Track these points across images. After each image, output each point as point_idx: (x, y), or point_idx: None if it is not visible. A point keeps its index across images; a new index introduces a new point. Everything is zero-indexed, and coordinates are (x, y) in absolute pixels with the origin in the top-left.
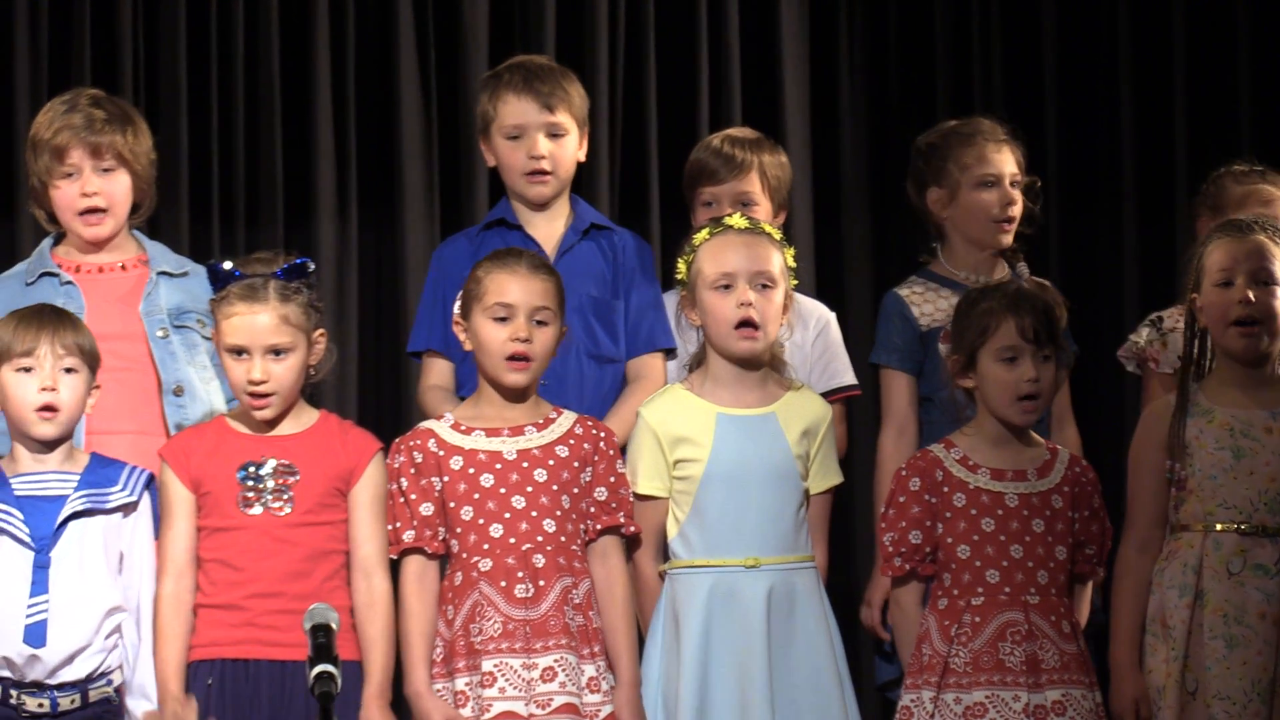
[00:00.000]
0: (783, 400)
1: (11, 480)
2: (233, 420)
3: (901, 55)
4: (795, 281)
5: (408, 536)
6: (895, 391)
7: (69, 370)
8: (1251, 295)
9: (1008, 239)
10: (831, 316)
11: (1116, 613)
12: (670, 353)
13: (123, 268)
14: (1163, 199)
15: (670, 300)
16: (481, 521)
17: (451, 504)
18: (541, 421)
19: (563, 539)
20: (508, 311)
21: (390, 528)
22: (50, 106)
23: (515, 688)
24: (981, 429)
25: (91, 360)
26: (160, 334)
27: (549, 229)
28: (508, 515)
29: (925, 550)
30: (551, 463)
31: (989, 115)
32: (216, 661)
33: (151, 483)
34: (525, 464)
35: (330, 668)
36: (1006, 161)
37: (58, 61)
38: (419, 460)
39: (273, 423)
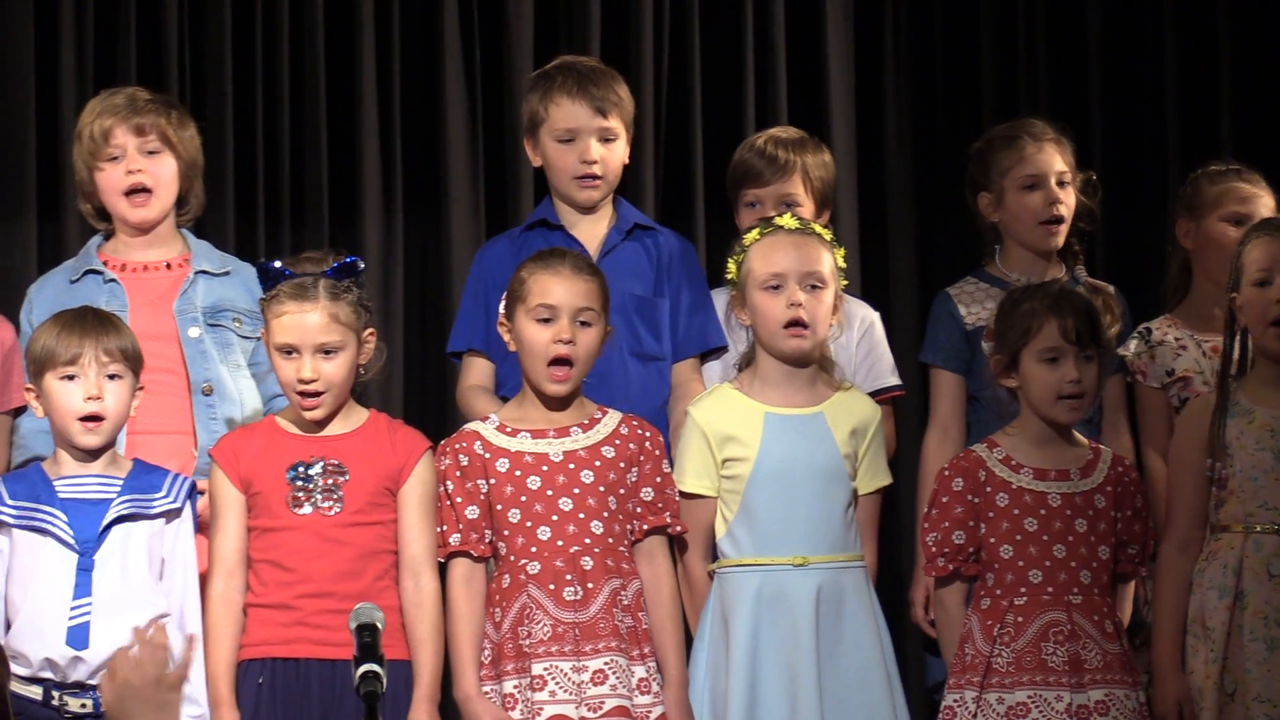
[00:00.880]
0: (831, 400)
1: (55, 482)
2: (282, 420)
3: (947, 55)
4: (845, 282)
5: (454, 540)
6: (941, 391)
7: (113, 377)
8: None
9: (1057, 240)
10: (876, 317)
11: (1158, 613)
12: (721, 350)
13: (167, 266)
14: None
15: (718, 299)
16: (529, 524)
17: (498, 506)
18: (587, 422)
19: (610, 540)
20: (551, 313)
21: (437, 530)
22: (96, 97)
23: (566, 691)
24: (1024, 429)
25: (135, 363)
26: (193, 334)
27: (592, 230)
28: (555, 517)
29: (968, 550)
30: (598, 463)
31: (1038, 115)
32: (267, 661)
33: (194, 491)
34: (572, 465)
35: (376, 667)
36: (1051, 161)
37: (103, 62)
38: (465, 463)
39: (322, 422)
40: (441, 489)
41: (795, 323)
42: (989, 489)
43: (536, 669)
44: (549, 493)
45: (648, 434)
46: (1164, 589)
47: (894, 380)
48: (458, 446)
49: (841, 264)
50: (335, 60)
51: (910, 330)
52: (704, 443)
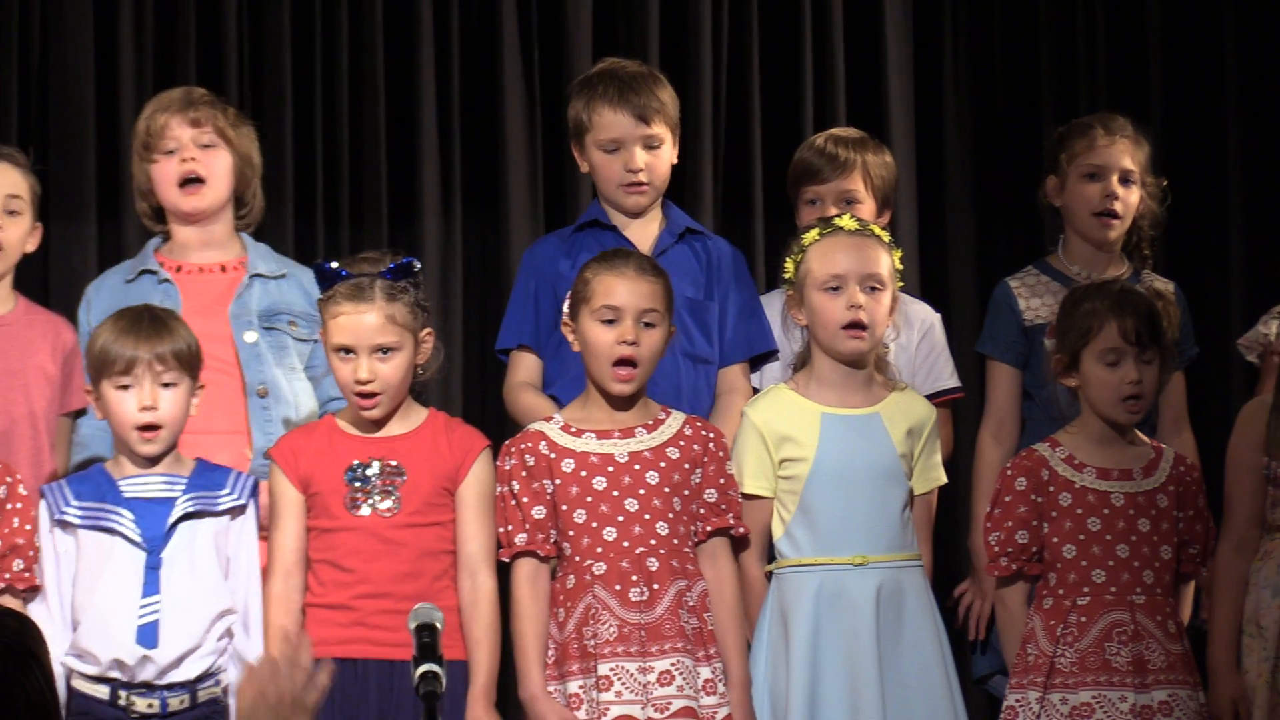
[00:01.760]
0: (887, 400)
1: (120, 482)
2: (341, 421)
3: (1006, 54)
4: (901, 283)
5: (520, 540)
6: (997, 383)
7: (168, 385)
8: None
9: (1110, 234)
10: (936, 318)
11: (1214, 613)
12: (771, 355)
13: (222, 269)
14: (1270, 200)
15: (777, 300)
16: (594, 525)
17: (563, 507)
18: (651, 423)
19: (675, 541)
20: (615, 314)
21: (502, 530)
22: (151, 99)
23: (632, 691)
24: (1086, 428)
25: (192, 366)
26: (248, 338)
27: (643, 232)
28: (621, 518)
29: (1031, 550)
30: (663, 464)
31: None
32: (326, 660)
33: (257, 488)
34: (637, 466)
35: (435, 667)
36: (1118, 156)
37: (163, 62)
38: (530, 463)
39: (380, 423)
40: (506, 489)
41: (854, 324)
42: (1052, 488)
43: (602, 669)
44: (614, 493)
45: (712, 435)
46: (1220, 589)
47: (953, 382)
48: (523, 446)
49: (899, 265)
50: (394, 60)
51: (969, 330)
52: (761, 443)
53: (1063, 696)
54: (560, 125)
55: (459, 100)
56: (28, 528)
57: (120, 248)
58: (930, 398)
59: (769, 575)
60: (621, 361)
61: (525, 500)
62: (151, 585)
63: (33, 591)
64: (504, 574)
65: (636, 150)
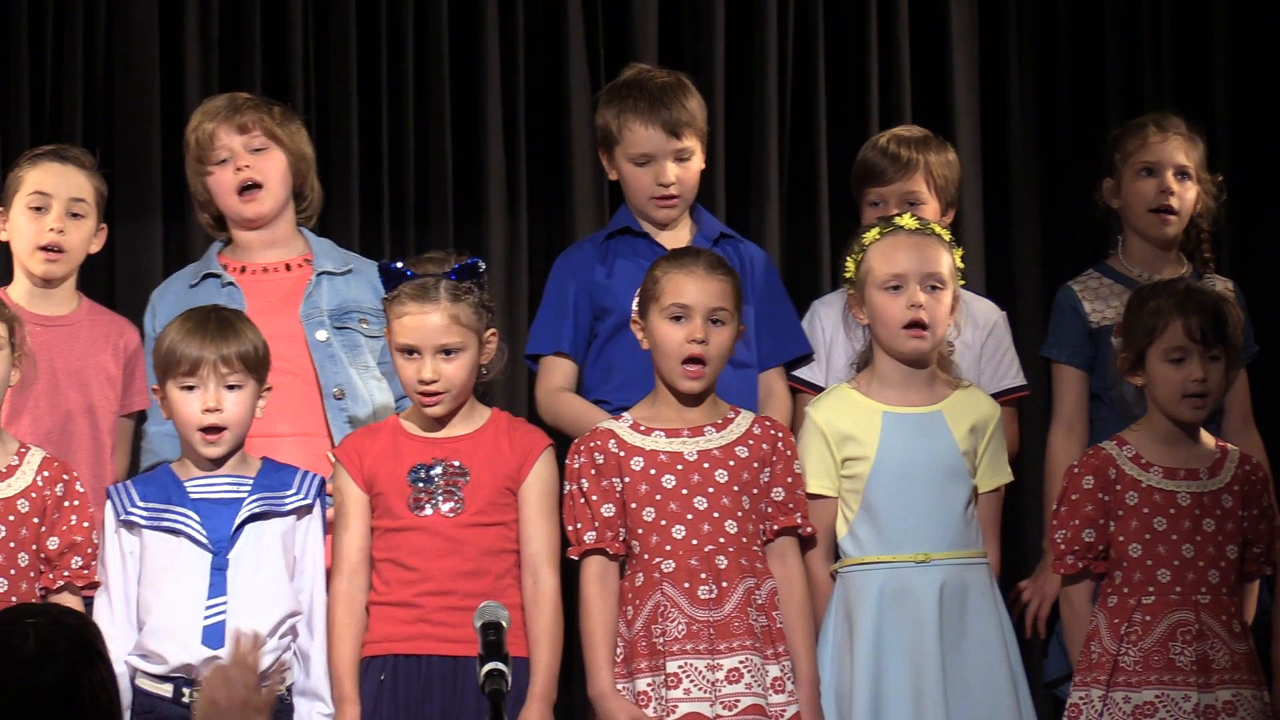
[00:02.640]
0: (950, 399)
1: (186, 484)
2: (405, 421)
3: (1071, 53)
4: (963, 282)
5: (589, 538)
6: (1064, 386)
7: (232, 387)
8: None
9: (1167, 230)
10: (1001, 316)
11: (1278, 612)
12: (807, 358)
13: (286, 267)
14: None
15: (838, 299)
16: (663, 523)
17: (632, 505)
18: (720, 421)
19: (744, 540)
20: (684, 312)
21: (571, 528)
22: (197, 109)
23: (700, 689)
24: (1152, 427)
25: (259, 368)
26: (320, 337)
27: (675, 238)
28: (690, 516)
29: (1098, 548)
30: (732, 463)
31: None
32: (389, 657)
33: (324, 487)
34: (706, 465)
35: (501, 665)
36: (1172, 153)
37: (228, 61)
38: (600, 461)
39: (443, 422)
40: (575, 487)
41: (915, 324)
42: (1119, 487)
43: (671, 667)
44: (684, 492)
45: (780, 434)
46: None
47: (1019, 381)
48: (592, 445)
49: (960, 264)
50: (460, 60)
51: (1035, 329)
52: (823, 443)
53: (1125, 695)
54: None
55: (524, 99)
56: (85, 525)
57: (185, 247)
58: (996, 396)
59: (834, 574)
60: (691, 360)
61: (594, 498)
62: (218, 587)
63: (91, 588)
64: (571, 572)
65: (668, 164)
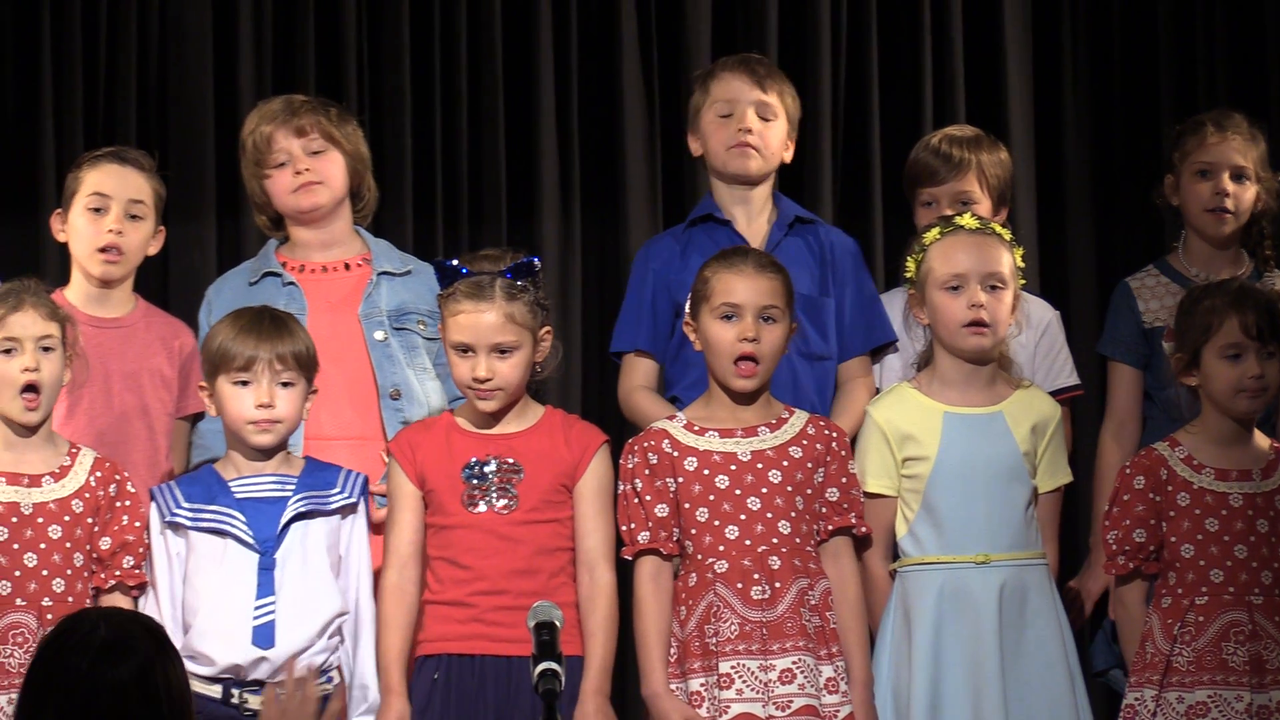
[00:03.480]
0: (1011, 399)
1: (231, 484)
2: (459, 418)
3: (1125, 52)
4: (1023, 281)
5: (643, 538)
6: (1118, 384)
7: (286, 384)
8: None
9: (1224, 229)
10: (1055, 316)
11: None
12: (891, 345)
13: (345, 267)
14: None
15: (897, 298)
16: (716, 523)
17: (686, 505)
18: (774, 421)
19: (797, 540)
20: (734, 311)
21: (625, 528)
22: (253, 110)
23: (753, 689)
24: (1206, 427)
25: (309, 369)
26: (379, 337)
27: (755, 225)
28: (743, 517)
29: (1149, 549)
30: (785, 463)
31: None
32: (443, 657)
33: (367, 486)
34: (760, 465)
35: (554, 665)
36: (1229, 152)
37: (281, 62)
38: (654, 461)
39: (498, 418)
40: (629, 487)
41: (976, 322)
42: (1170, 488)
43: (723, 667)
44: (737, 492)
45: (834, 434)
46: None
47: (1073, 380)
48: (646, 445)
49: (1021, 263)
50: (513, 59)
51: (1090, 328)
52: (884, 442)
53: (1179, 695)
54: (679, 122)
55: (578, 98)
56: (137, 525)
57: (239, 247)
58: (1049, 395)
59: (892, 574)
60: (743, 358)
61: (648, 498)
62: (266, 586)
63: (142, 588)
64: (624, 571)
65: (749, 112)
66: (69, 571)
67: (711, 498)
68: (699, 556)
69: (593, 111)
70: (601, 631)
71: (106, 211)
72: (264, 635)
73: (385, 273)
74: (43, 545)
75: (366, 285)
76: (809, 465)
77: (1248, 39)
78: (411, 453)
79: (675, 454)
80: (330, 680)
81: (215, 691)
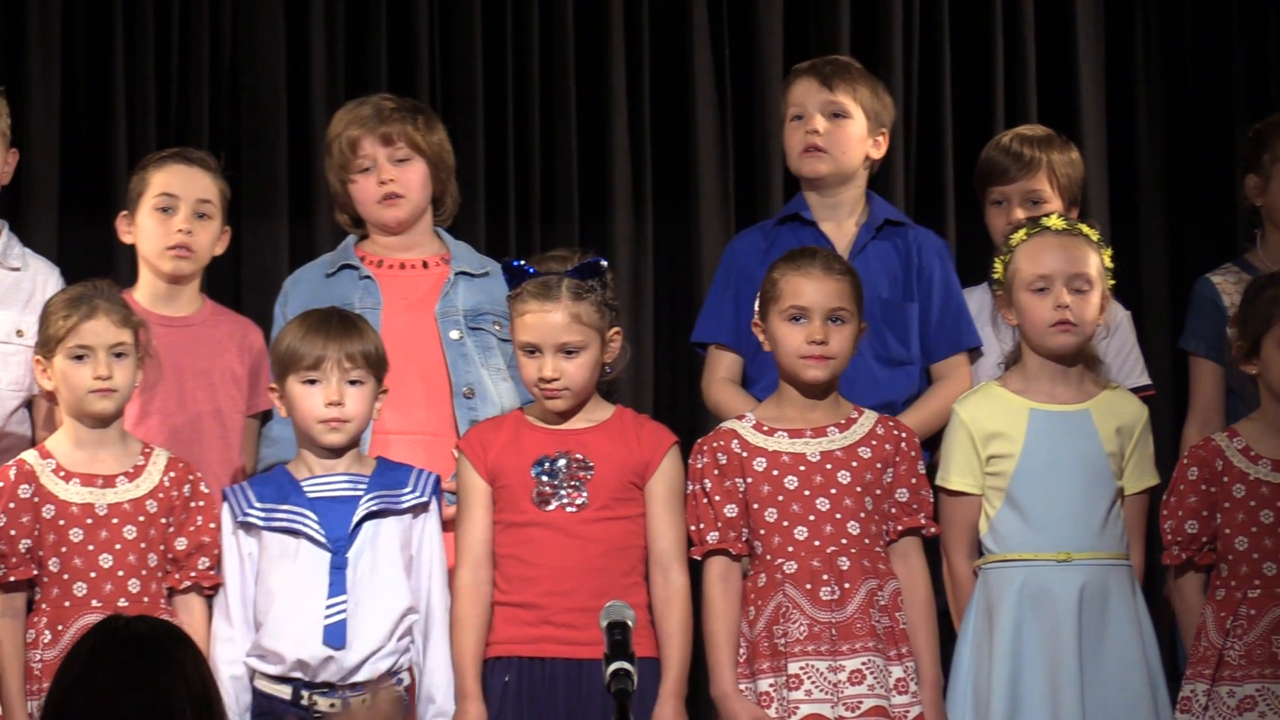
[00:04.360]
0: (1098, 398)
1: (302, 483)
2: (529, 415)
3: (1197, 51)
4: (1113, 282)
5: (711, 538)
6: (1201, 380)
7: (354, 382)
8: None
9: None
10: (1126, 315)
11: None
12: (976, 351)
13: (424, 265)
14: None
15: (980, 297)
16: (785, 524)
17: (755, 505)
18: (843, 422)
19: (866, 541)
20: (803, 313)
21: (694, 528)
22: (342, 108)
23: (822, 690)
24: (1266, 416)
25: (378, 368)
26: (454, 336)
27: (843, 226)
28: (812, 517)
29: (1201, 540)
30: (854, 464)
31: None
32: (514, 660)
33: (439, 485)
34: (829, 466)
35: (627, 665)
36: None
37: (354, 63)
38: (723, 461)
39: (566, 416)
40: (698, 487)
41: (1062, 322)
42: (1225, 479)
43: (792, 668)
44: (806, 492)
45: (903, 434)
46: None
47: (1144, 380)
48: (715, 445)
49: (1109, 264)
50: (585, 59)
51: (1162, 328)
52: (969, 440)
53: (1230, 689)
54: (751, 121)
55: (650, 98)
56: (212, 525)
57: (311, 247)
58: None
59: (976, 571)
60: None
61: (717, 499)
62: (338, 585)
63: (216, 590)
64: (694, 571)
65: (817, 116)
66: (144, 572)
67: (780, 498)
68: (768, 557)
69: (665, 111)
70: (679, 635)
71: (175, 211)
72: (335, 634)
73: (463, 273)
74: (118, 546)
75: (444, 284)
76: (878, 466)
77: None
78: (483, 450)
79: (744, 454)
80: (401, 682)
81: (285, 692)
